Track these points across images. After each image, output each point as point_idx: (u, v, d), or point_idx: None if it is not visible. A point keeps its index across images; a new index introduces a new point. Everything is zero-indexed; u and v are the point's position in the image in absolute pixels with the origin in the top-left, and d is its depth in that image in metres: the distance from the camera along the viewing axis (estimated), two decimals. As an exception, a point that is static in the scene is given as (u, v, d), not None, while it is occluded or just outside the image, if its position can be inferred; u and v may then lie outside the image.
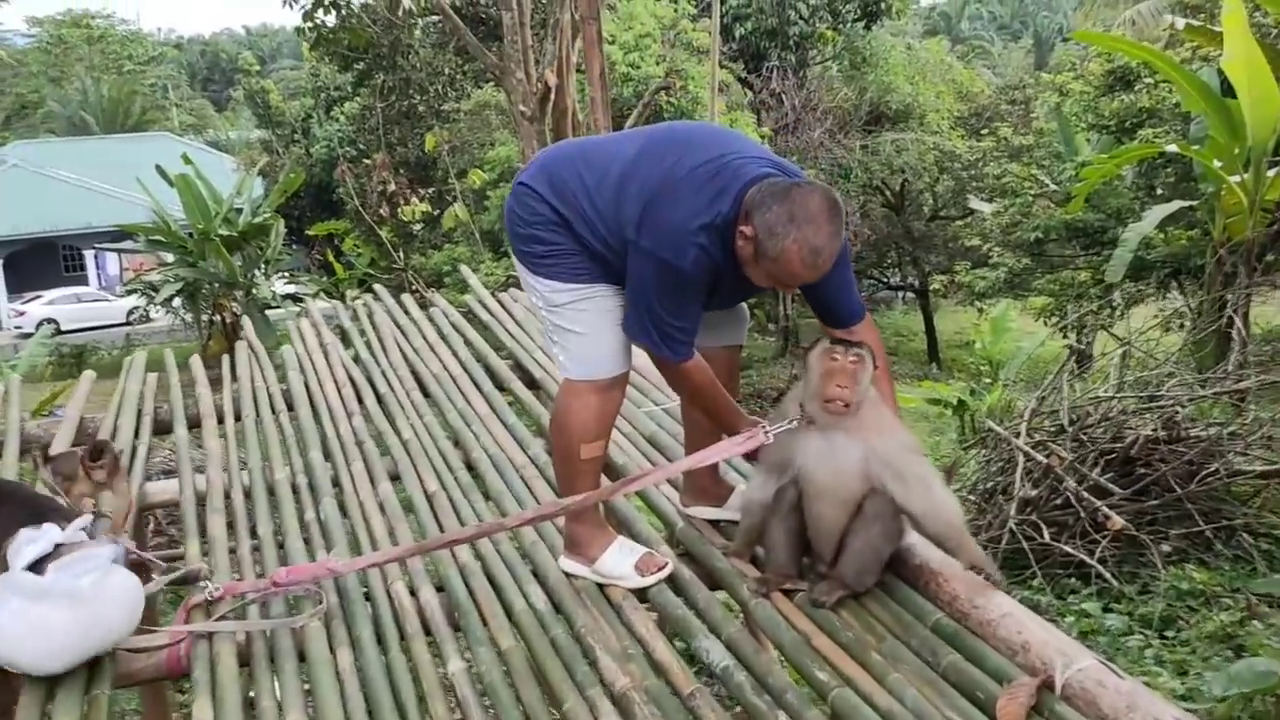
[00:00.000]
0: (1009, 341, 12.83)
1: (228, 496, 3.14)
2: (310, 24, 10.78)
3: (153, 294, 21.94)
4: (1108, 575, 6.01)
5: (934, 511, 2.35)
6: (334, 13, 10.67)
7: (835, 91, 20.22)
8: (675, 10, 18.70)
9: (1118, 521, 5.95)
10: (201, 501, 3.12)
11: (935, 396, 11.93)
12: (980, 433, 8.86)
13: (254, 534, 2.94)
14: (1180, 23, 11.35)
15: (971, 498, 7.37)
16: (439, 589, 2.57)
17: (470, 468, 3.34)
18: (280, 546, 2.84)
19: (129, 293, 25.35)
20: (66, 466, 2.69)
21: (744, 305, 2.88)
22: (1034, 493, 6.58)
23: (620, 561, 2.61)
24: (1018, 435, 6.96)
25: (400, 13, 10.60)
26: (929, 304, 21.73)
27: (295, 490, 3.20)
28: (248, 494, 3.17)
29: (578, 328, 2.58)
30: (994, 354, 12.33)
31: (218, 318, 20.67)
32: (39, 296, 29.98)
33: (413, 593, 2.56)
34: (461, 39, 11.70)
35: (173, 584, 2.43)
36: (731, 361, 2.89)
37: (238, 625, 2.33)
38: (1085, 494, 6.27)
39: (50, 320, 27.63)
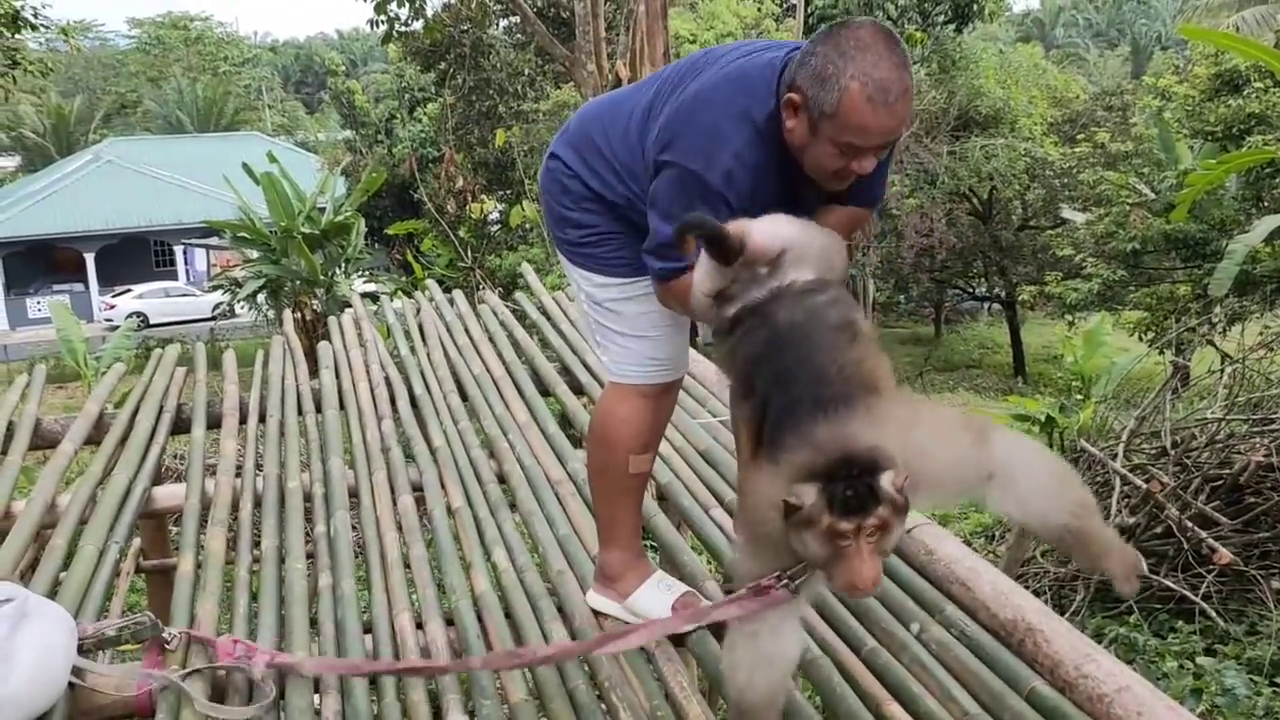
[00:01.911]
0: (1102, 357, 12.19)
1: (236, 505, 2.86)
2: (382, 16, 10.64)
3: (237, 289, 22.24)
4: (1212, 613, 5.54)
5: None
6: (408, 6, 10.50)
7: (923, 94, 19.59)
8: (759, 10, 18.35)
9: (1225, 554, 5.49)
10: (207, 509, 2.84)
11: (1022, 412, 11.35)
12: (1072, 453, 8.36)
13: (257, 545, 2.65)
14: (1295, 22, 10.67)
15: (1062, 522, 6.91)
16: (449, 622, 2.24)
17: (502, 480, 3.02)
18: (281, 562, 2.54)
19: (215, 288, 25.81)
20: None
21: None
22: (1132, 520, 6.12)
23: (656, 600, 2.25)
24: (1114, 457, 6.49)
25: (474, 5, 10.38)
26: (1016, 316, 21.00)
27: (309, 500, 2.90)
28: (258, 503, 2.89)
29: (624, 327, 2.22)
30: (1086, 369, 11.69)
31: (298, 314, 20.81)
32: (129, 290, 30.65)
33: (419, 625, 2.24)
34: (536, 34, 11.47)
35: (121, 637, 2.09)
36: None
37: (199, 698, 1.98)
38: (1189, 523, 5.81)
39: (139, 314, 28.30)
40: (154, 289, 30.98)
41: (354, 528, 2.79)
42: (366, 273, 23.60)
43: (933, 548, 2.33)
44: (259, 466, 3.11)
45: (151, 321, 28.20)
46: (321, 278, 20.53)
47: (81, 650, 2.02)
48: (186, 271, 34.04)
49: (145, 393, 3.64)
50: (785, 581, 1.69)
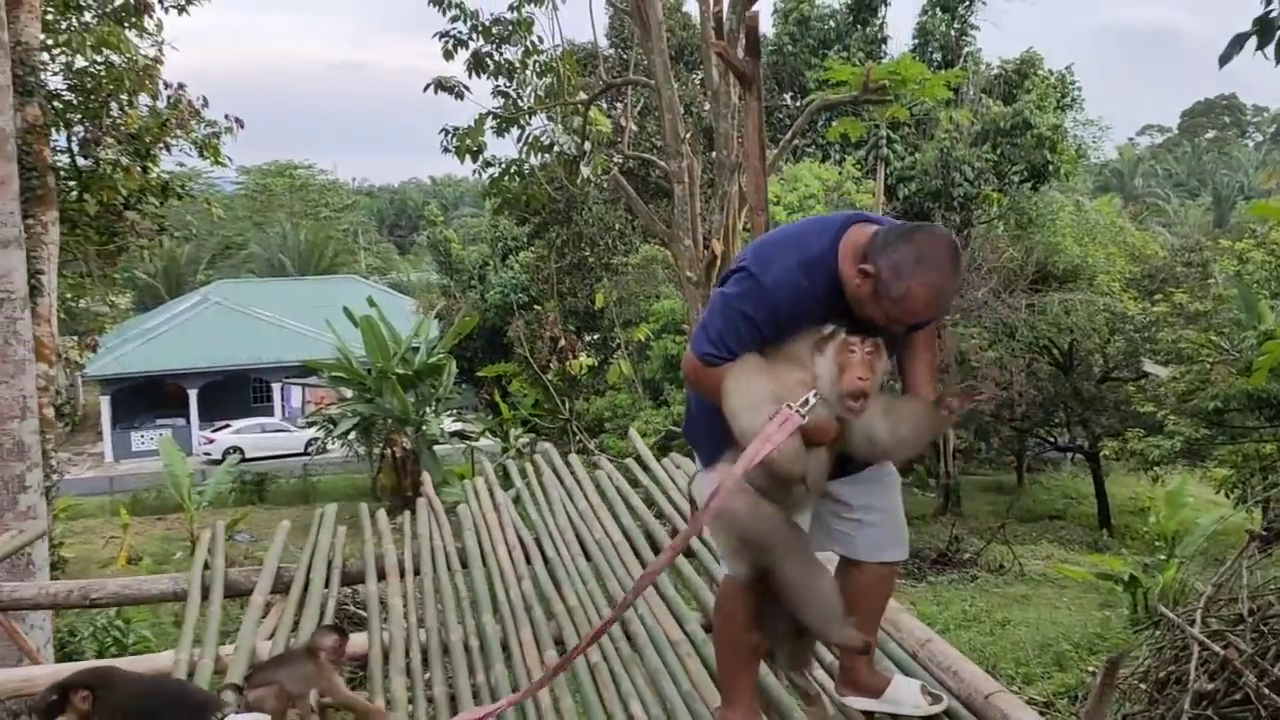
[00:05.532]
0: (1185, 515, 12.26)
1: (407, 654, 3.36)
2: (494, 191, 11.61)
3: (331, 426, 23.21)
4: (1290, 780, 5.63)
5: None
6: (518, 180, 11.47)
7: (1000, 251, 20.15)
8: (839, 173, 19.20)
9: (1303, 722, 5.60)
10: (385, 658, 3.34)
11: (1107, 571, 11.45)
12: (1153, 615, 8.47)
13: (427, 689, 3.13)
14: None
15: (1143, 686, 7.02)
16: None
17: (629, 638, 3.47)
18: (452, 706, 3.01)
19: (309, 424, 26.90)
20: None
21: (903, 521, 2.79)
22: (1210, 686, 6.24)
23: (770, 750, 2.66)
24: (1192, 622, 6.64)
25: (580, 181, 11.29)
26: (1099, 467, 20.90)
27: (468, 651, 3.39)
28: (424, 652, 3.38)
29: None
30: (1168, 529, 11.78)
31: (389, 451, 21.68)
32: (227, 425, 31.92)
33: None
34: (639, 215, 12.35)
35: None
36: (885, 583, 2.80)
37: None
38: (1266, 690, 5.92)
39: (236, 449, 29.48)
40: (250, 424, 32.19)
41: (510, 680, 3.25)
42: (455, 411, 24.49)
43: (1008, 713, 2.70)
44: (420, 620, 3.62)
45: (247, 455, 29.27)
46: (413, 417, 21.39)
47: None
48: (283, 407, 35.34)
49: (314, 549, 4.19)
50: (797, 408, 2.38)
